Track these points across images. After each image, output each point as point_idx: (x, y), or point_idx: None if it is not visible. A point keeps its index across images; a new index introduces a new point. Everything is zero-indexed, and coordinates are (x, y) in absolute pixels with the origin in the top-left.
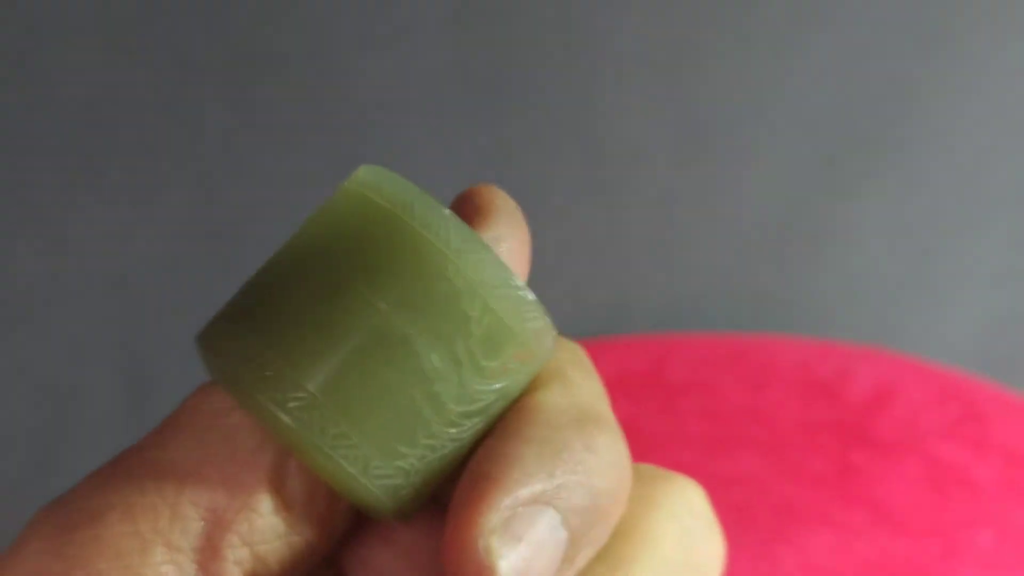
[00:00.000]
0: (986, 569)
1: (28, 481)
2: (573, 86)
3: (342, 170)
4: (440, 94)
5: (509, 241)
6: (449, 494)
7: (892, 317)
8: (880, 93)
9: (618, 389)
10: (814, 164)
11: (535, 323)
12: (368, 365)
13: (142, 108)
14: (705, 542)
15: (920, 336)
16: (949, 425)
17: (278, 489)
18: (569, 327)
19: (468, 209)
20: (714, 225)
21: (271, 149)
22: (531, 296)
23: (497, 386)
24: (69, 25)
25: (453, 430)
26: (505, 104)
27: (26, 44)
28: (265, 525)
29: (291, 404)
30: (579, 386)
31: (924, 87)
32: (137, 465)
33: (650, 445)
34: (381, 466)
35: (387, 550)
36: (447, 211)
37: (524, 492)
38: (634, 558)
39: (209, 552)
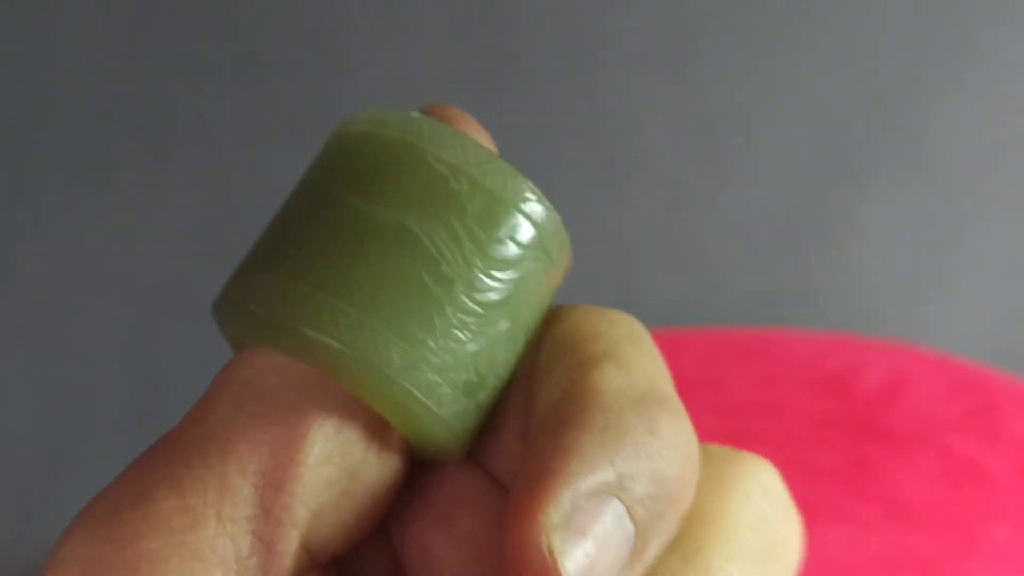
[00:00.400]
0: (1004, 562)
1: (38, 481)
2: (579, 83)
3: None
4: (445, 92)
5: (480, 138)
6: (502, 469)
7: (904, 310)
8: (890, 86)
9: None
10: (824, 157)
11: (531, 203)
12: (377, 261)
13: (149, 110)
14: (783, 525)
15: (932, 329)
16: (963, 417)
17: (328, 437)
18: None
19: (438, 116)
20: (723, 220)
21: (278, 151)
22: (524, 178)
23: (508, 275)
24: (77, 27)
25: (471, 319)
26: (511, 102)
27: (34, 46)
28: (317, 478)
29: (322, 322)
30: (636, 365)
31: (934, 79)
32: (179, 441)
33: None
34: (407, 355)
35: (445, 536)
36: (421, 115)
37: (585, 484)
38: (710, 546)
39: (263, 518)
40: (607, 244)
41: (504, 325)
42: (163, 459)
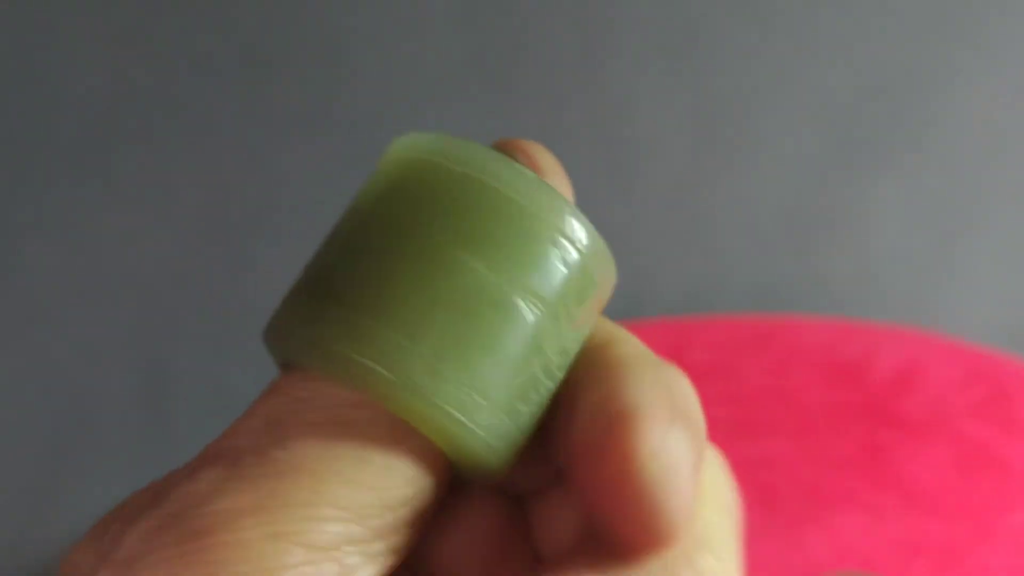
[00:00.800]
0: (1021, 549)
1: (41, 482)
2: (586, 74)
3: (356, 165)
4: (452, 85)
5: (562, 183)
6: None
7: (916, 297)
8: (899, 73)
9: None
10: (833, 145)
11: (612, 273)
12: (475, 323)
13: (155, 105)
14: (727, 484)
15: (945, 315)
16: (977, 404)
17: (409, 483)
18: None
19: (527, 164)
20: (732, 208)
21: (285, 145)
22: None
23: (583, 333)
24: (81, 22)
25: (550, 383)
26: (518, 94)
27: (39, 42)
28: (397, 520)
29: (409, 371)
30: (635, 340)
31: (943, 66)
32: (261, 466)
33: None
34: (492, 418)
35: (456, 548)
36: (526, 170)
37: (659, 419)
38: (702, 499)
39: (349, 551)
40: (616, 234)
41: (563, 375)
42: (247, 484)
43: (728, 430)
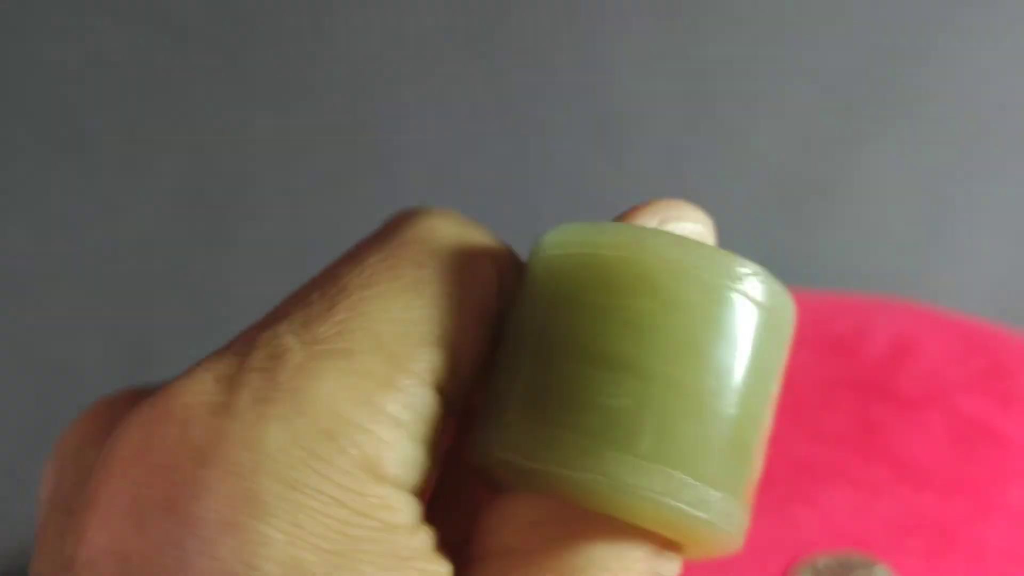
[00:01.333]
0: (1018, 524)
1: (21, 463)
2: (572, 40)
3: (334, 135)
4: (433, 52)
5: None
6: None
7: (911, 269)
8: (895, 41)
9: None
10: (827, 113)
11: (791, 312)
12: (726, 429)
13: (131, 75)
14: None
15: (941, 288)
16: (974, 378)
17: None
18: None
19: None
20: (722, 179)
21: (263, 116)
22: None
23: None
24: None
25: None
26: (501, 61)
27: (3, 9)
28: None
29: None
30: None
31: (939, 32)
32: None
33: None
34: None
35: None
36: (725, 251)
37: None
38: None
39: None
40: (602, 206)
41: (762, 420)
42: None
43: None
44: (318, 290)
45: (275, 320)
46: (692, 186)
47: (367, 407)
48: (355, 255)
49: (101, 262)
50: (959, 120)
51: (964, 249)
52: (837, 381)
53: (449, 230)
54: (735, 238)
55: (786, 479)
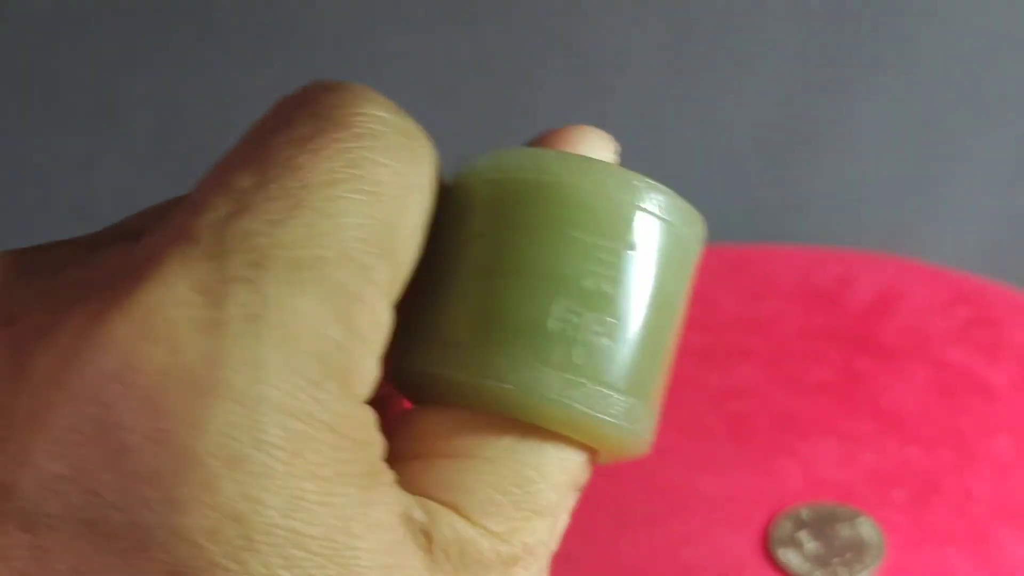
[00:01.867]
0: (1004, 475)
1: None
2: None
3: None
4: (415, 7)
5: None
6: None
7: (896, 221)
8: None
9: None
10: (810, 64)
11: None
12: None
13: (103, 28)
14: None
15: (926, 240)
16: (959, 329)
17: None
18: None
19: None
20: (707, 131)
21: (236, 67)
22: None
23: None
24: None
25: (618, 327)
26: (484, 15)
27: None
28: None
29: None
30: None
31: None
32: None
33: None
34: (566, 380)
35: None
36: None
37: None
38: None
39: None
40: None
41: (659, 323)
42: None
43: (700, 358)
44: (275, 180)
45: (237, 206)
46: (675, 138)
47: (344, 325)
48: (305, 134)
49: (69, 217)
50: (946, 72)
51: (950, 201)
52: (821, 333)
53: (396, 123)
54: (718, 189)
55: (769, 431)
